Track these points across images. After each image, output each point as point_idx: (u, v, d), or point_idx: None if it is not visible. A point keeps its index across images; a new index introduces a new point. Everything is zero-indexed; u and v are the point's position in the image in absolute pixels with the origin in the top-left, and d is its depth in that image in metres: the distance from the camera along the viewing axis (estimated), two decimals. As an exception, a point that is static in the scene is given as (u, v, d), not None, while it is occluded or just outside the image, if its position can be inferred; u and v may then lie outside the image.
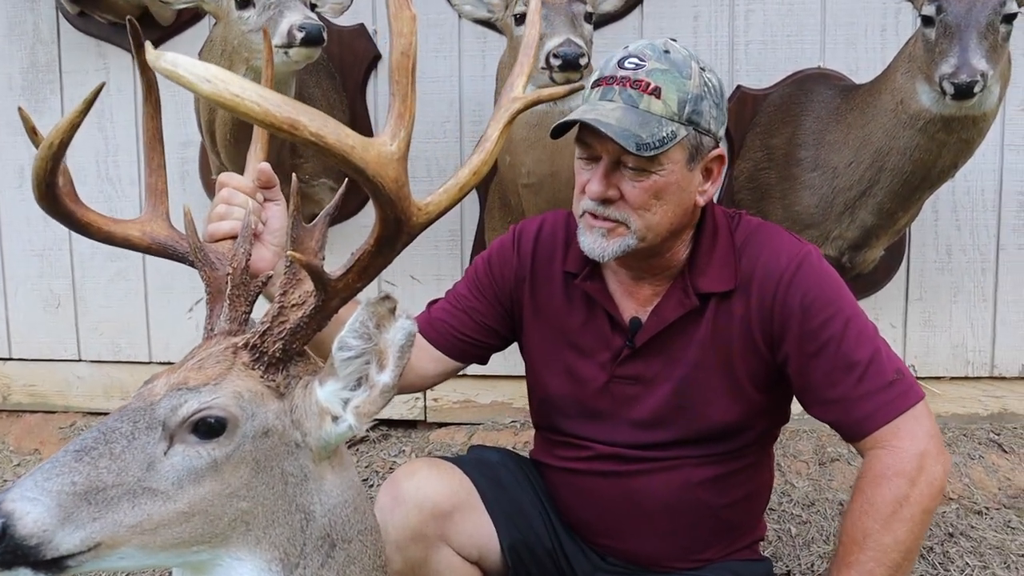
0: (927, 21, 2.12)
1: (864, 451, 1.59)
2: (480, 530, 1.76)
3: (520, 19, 2.35)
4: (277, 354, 1.18)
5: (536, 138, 2.40)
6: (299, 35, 2.04)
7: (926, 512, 1.52)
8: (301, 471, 1.19)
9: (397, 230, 1.08)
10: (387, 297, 1.11)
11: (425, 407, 3.15)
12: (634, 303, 1.73)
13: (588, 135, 1.56)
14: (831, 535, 2.51)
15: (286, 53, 2.09)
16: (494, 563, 1.79)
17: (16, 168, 3.21)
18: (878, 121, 2.35)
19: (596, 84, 1.59)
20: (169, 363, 2.99)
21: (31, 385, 3.32)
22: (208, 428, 1.11)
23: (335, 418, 1.19)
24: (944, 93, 2.02)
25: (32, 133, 1.33)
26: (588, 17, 2.34)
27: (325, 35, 2.07)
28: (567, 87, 1.37)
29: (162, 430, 1.11)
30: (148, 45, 0.97)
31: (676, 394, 1.70)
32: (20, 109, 1.30)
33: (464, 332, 1.81)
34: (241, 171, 2.67)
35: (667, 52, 1.57)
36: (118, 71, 3.08)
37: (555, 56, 2.17)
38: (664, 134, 1.52)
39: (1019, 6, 2.06)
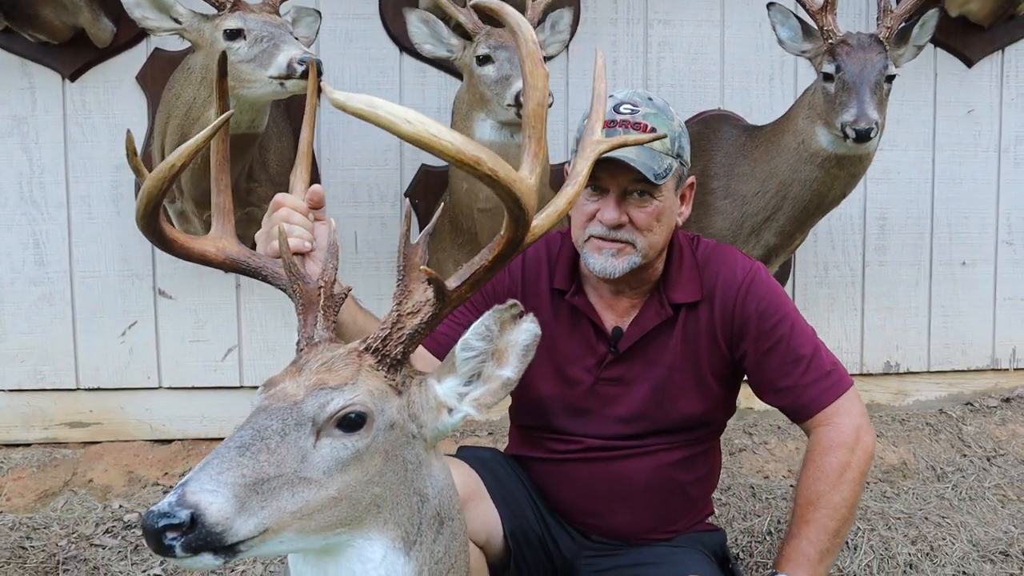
0: (827, 77, 2.56)
1: (811, 429, 1.93)
2: (488, 517, 1.95)
3: (482, 60, 2.57)
4: (398, 356, 1.34)
5: (495, 167, 2.64)
6: (299, 68, 2.16)
7: (863, 474, 1.88)
8: (417, 459, 1.36)
9: (515, 248, 1.29)
10: (514, 304, 1.31)
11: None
12: (613, 315, 2.00)
13: (597, 167, 1.83)
14: (748, 512, 2.89)
15: (282, 84, 2.21)
16: (497, 547, 1.99)
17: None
18: (783, 157, 2.77)
19: None
20: (99, 389, 2.97)
21: (-60, 417, 3.14)
22: (350, 423, 1.25)
23: (450, 410, 1.37)
24: (846, 137, 2.46)
25: (132, 155, 1.42)
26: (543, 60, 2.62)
27: (323, 68, 2.21)
28: (650, 136, 1.64)
29: (311, 426, 1.24)
30: (326, 86, 1.11)
31: (654, 392, 1.98)
32: (128, 132, 1.37)
33: None
34: (201, 195, 2.76)
35: (650, 99, 1.87)
36: (44, 92, 3.02)
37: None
38: (665, 166, 1.81)
39: (896, 68, 2.55)
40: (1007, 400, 3.49)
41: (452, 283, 1.34)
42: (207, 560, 1.13)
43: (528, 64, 1.23)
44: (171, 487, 3.02)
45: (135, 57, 3.00)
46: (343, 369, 1.30)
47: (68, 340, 3.09)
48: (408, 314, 1.36)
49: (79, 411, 3.12)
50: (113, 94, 2.99)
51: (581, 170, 1.39)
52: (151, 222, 1.41)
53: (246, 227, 2.98)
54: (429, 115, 3.40)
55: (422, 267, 1.30)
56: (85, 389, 3.11)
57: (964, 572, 2.69)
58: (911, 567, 2.68)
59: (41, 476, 3.02)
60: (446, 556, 1.38)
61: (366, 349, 1.34)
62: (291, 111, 3.07)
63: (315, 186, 1.71)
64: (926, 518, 2.90)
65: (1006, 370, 3.58)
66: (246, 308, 3.13)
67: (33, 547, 2.67)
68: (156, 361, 3.11)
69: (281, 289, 1.55)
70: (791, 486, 3.06)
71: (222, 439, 3.22)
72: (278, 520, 1.18)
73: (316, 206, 1.72)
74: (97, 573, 2.58)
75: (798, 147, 2.72)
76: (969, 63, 3.39)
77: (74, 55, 2.94)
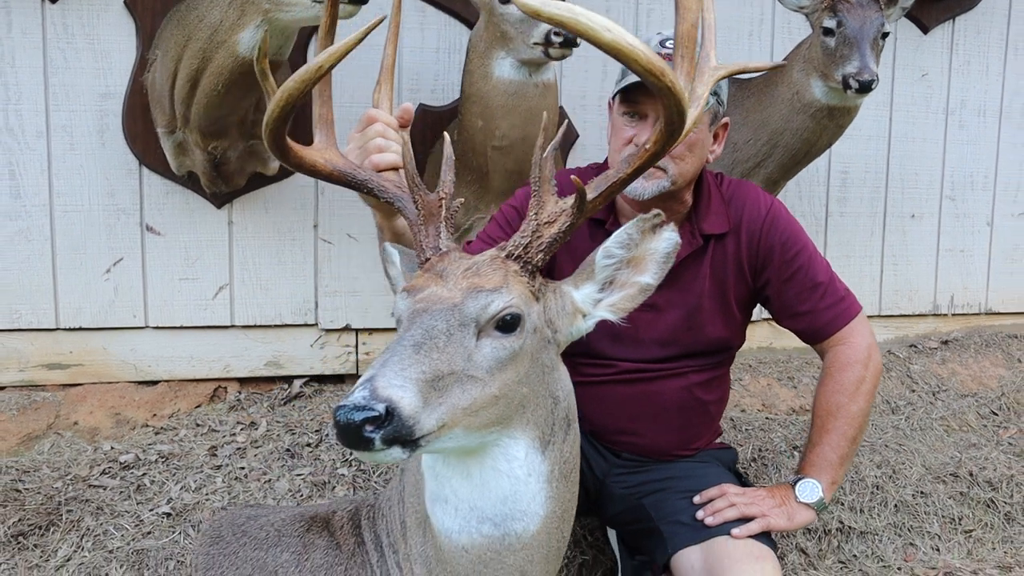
0: (827, 32, 2.72)
1: (827, 349, 2.13)
2: None
3: (506, -2, 2.60)
4: (538, 264, 1.40)
5: (513, 105, 2.68)
6: (348, -7, 2.13)
7: (875, 387, 2.10)
8: (551, 362, 1.42)
9: (654, 160, 1.36)
10: (657, 214, 1.39)
11: (357, 361, 3.27)
12: None
13: (640, 95, 1.91)
14: (731, 443, 3.08)
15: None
16: None
17: None
18: (776, 107, 2.94)
19: None
20: (81, 329, 2.84)
21: (-103, 359, 2.93)
22: (506, 324, 1.30)
23: (584, 316, 1.44)
24: (847, 88, 2.64)
25: (263, 57, 1.40)
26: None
27: (370, -6, 2.18)
28: (772, 63, 1.72)
29: (474, 326, 1.28)
30: (514, -4, 1.15)
31: (687, 318, 2.12)
32: (264, 33, 1.35)
33: None
34: (209, 124, 2.67)
35: None
36: (21, 12, 2.82)
37: (556, 35, 2.47)
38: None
39: (888, 26, 2.74)
40: (945, 342, 3.84)
41: (590, 194, 1.41)
42: (396, 453, 1.15)
43: (683, -15, 1.29)
44: (162, 428, 2.97)
45: (123, -20, 2.85)
46: (493, 274, 1.35)
47: (47, 278, 2.93)
48: (545, 223, 1.41)
49: (59, 352, 2.98)
50: (99, 19, 2.83)
51: (702, 94, 1.47)
52: (280, 127, 1.40)
53: (245, 161, 2.92)
54: (428, 56, 3.46)
55: (572, 177, 1.35)
56: (65, 329, 2.97)
57: (922, 492, 2.99)
58: (878, 488, 2.96)
59: (22, 419, 2.88)
60: (571, 456, 1.46)
61: (508, 256, 1.39)
62: (288, 45, 3.00)
63: (406, 104, 1.73)
64: (886, 445, 3.18)
65: (945, 315, 3.93)
66: (238, 245, 3.06)
67: (27, 489, 2.57)
68: (143, 300, 3.00)
69: (387, 201, 1.57)
70: (767, 418, 3.29)
71: (211, 380, 3.14)
72: (452, 416, 1.22)
73: (405, 124, 1.74)
74: (102, 513, 2.51)
75: (792, 98, 2.88)
76: (925, 29, 3.66)
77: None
